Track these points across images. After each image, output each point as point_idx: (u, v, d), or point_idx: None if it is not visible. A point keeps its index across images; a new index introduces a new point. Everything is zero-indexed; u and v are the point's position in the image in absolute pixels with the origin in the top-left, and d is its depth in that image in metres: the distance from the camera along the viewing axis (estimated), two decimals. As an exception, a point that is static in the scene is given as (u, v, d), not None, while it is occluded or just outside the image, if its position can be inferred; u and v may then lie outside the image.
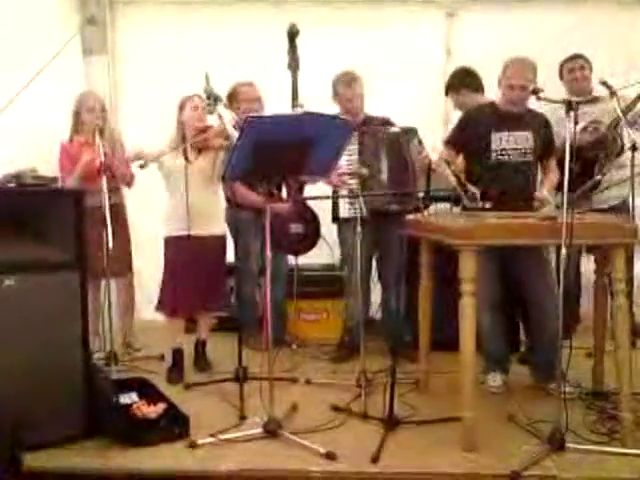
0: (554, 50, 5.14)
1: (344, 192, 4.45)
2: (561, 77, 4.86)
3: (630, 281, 4.39)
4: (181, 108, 4.27)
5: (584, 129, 4.52)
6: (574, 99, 3.26)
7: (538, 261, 3.89)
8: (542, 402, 3.68)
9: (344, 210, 4.50)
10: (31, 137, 5.22)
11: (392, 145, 4.45)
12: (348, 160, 4.39)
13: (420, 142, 4.46)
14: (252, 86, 4.72)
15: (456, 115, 4.81)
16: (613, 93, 4.43)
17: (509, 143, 3.95)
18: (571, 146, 3.18)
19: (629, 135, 4.28)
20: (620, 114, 4.31)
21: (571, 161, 4.44)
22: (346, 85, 4.55)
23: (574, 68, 4.77)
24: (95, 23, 5.73)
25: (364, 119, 4.63)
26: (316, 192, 4.67)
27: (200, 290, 4.24)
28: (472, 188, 3.88)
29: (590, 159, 4.53)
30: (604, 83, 4.43)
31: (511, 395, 3.92)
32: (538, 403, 3.70)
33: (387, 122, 4.65)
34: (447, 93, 4.86)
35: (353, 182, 4.39)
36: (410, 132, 4.47)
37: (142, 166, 4.12)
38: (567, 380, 3.52)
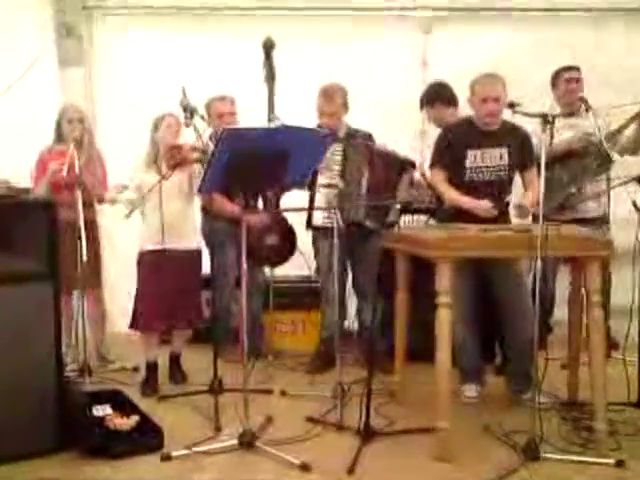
0: (528, 65, 5.23)
1: (321, 204, 4.45)
2: (553, 85, 4.86)
3: (606, 293, 4.47)
4: (155, 126, 4.25)
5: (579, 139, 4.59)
6: (550, 113, 3.29)
7: (513, 274, 3.91)
8: (517, 413, 3.69)
9: (317, 219, 4.51)
10: (6, 148, 5.19)
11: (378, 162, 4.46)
12: (329, 171, 4.40)
13: (412, 183, 4.50)
14: (226, 100, 4.71)
15: (432, 128, 4.85)
16: (588, 109, 4.50)
17: (484, 160, 3.95)
18: (546, 159, 3.23)
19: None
20: (597, 131, 4.37)
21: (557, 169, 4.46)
22: (327, 100, 4.56)
23: (572, 79, 4.77)
24: (72, 35, 5.71)
25: (347, 132, 4.63)
26: (292, 203, 4.66)
27: (175, 305, 4.21)
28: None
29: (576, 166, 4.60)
30: (581, 99, 4.50)
31: (486, 406, 3.93)
32: (513, 414, 3.71)
33: (369, 137, 4.67)
34: (422, 107, 4.88)
35: (326, 191, 4.39)
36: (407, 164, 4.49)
37: (128, 215, 4.11)
38: (542, 391, 3.54)
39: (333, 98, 4.56)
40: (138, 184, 4.17)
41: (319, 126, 4.51)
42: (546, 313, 4.53)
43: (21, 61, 5.31)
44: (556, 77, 4.86)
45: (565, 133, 4.60)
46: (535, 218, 3.62)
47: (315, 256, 4.73)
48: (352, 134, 4.63)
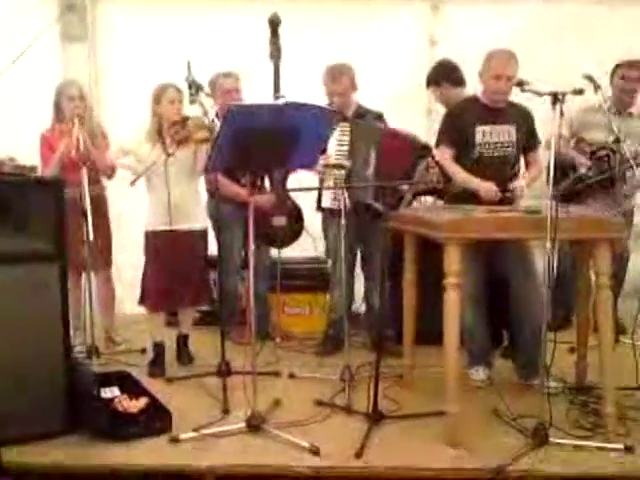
0: (537, 43, 5.16)
1: (329, 184, 4.41)
2: (612, 79, 4.75)
3: (618, 276, 4.44)
4: (156, 100, 4.16)
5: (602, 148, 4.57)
6: (560, 91, 3.24)
7: (522, 256, 3.89)
8: (526, 397, 3.68)
9: (326, 200, 4.47)
10: (9, 126, 5.16)
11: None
12: (338, 151, 4.35)
13: (427, 168, 4.44)
14: (231, 76, 4.66)
15: (439, 107, 4.80)
16: (597, 87, 4.44)
17: (492, 137, 3.93)
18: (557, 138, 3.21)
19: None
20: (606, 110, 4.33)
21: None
22: (333, 80, 4.50)
23: (629, 77, 4.64)
24: (74, 10, 5.64)
25: (356, 110, 4.57)
26: (299, 184, 4.63)
27: (182, 284, 4.19)
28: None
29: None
30: (588, 77, 4.43)
31: (495, 389, 3.90)
32: (522, 398, 3.69)
33: (379, 117, 4.61)
34: (428, 86, 4.81)
35: (337, 173, 4.34)
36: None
37: (132, 182, 4.05)
38: (550, 375, 3.52)
39: (340, 77, 4.50)
40: (140, 155, 4.12)
41: (330, 105, 4.45)
42: (569, 297, 4.43)
43: (24, 37, 5.25)
44: (613, 72, 4.76)
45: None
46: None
47: (325, 238, 4.70)
48: (362, 114, 4.57)
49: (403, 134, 4.42)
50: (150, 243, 4.21)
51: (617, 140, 4.50)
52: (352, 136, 4.40)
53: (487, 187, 3.83)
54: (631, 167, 4.40)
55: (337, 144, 4.35)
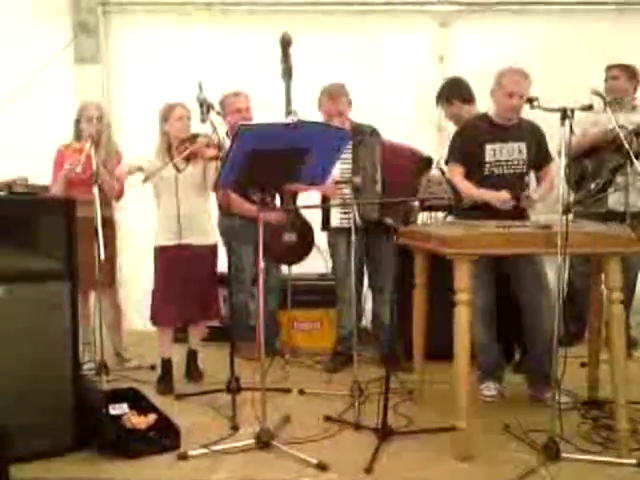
0: (546, 60, 5.17)
1: (337, 201, 4.42)
2: (605, 82, 4.87)
3: (629, 291, 4.41)
4: (164, 118, 4.22)
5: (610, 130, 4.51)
6: (569, 107, 3.24)
7: (533, 271, 3.87)
8: (537, 411, 3.65)
9: (335, 219, 4.48)
10: (23, 146, 5.22)
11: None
12: (342, 169, 4.37)
13: (429, 180, 4.46)
14: (240, 96, 4.69)
15: (450, 124, 4.81)
16: (607, 103, 4.43)
17: (502, 155, 3.94)
18: (567, 152, 3.20)
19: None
20: (614, 124, 4.31)
21: (583, 162, 4.38)
22: (332, 100, 4.52)
23: (615, 76, 4.80)
24: (88, 31, 5.71)
25: (352, 128, 4.59)
26: (309, 201, 4.64)
27: (192, 300, 4.21)
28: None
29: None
30: (597, 93, 4.42)
31: (506, 404, 3.89)
32: (533, 412, 3.66)
33: (373, 132, 4.62)
34: (438, 104, 4.83)
35: (346, 191, 4.36)
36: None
37: (145, 180, 4.11)
38: (562, 390, 3.50)
39: (339, 97, 4.53)
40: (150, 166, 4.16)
41: None
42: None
43: (38, 59, 5.33)
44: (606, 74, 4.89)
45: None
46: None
47: (331, 255, 4.70)
48: (359, 130, 4.58)
49: (404, 148, 4.45)
50: (159, 258, 4.24)
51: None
52: (355, 153, 4.42)
53: (500, 196, 3.84)
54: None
55: (340, 162, 4.36)
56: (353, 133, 4.50)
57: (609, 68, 4.87)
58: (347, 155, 4.39)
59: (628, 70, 4.82)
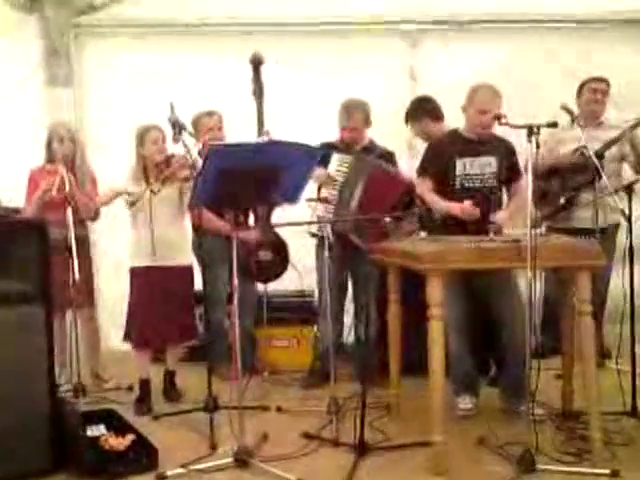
0: (514, 77, 5.26)
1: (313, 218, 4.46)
2: (578, 95, 4.91)
3: (602, 303, 4.47)
4: (140, 141, 4.23)
5: (575, 150, 4.62)
6: (535, 124, 3.30)
7: (505, 283, 3.92)
8: (512, 424, 3.68)
9: (313, 226, 4.52)
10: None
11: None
12: (333, 183, 4.46)
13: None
14: (214, 115, 4.72)
15: (420, 142, 4.86)
16: (574, 118, 4.50)
17: (473, 168, 4.00)
18: (533, 169, 3.26)
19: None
20: (584, 142, 4.38)
21: (549, 179, 4.50)
22: (347, 116, 4.58)
23: (597, 89, 4.83)
24: (58, 55, 5.71)
25: (364, 146, 4.65)
26: (287, 217, 4.66)
27: (168, 322, 4.21)
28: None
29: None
30: (565, 108, 4.49)
31: (481, 418, 3.92)
32: (508, 425, 3.70)
33: (388, 154, 4.68)
34: (407, 122, 4.88)
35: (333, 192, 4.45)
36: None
37: (132, 204, 4.12)
38: (537, 402, 3.54)
39: (353, 113, 4.59)
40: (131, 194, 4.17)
41: (341, 140, 4.61)
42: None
43: (9, 82, 5.33)
44: (582, 87, 4.91)
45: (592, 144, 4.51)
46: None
47: (316, 269, 4.72)
48: (370, 149, 4.64)
49: (396, 177, 4.48)
50: (135, 279, 4.24)
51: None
52: (349, 169, 4.47)
53: (463, 207, 3.89)
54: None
55: (333, 176, 4.43)
56: (360, 151, 4.57)
57: (595, 80, 4.86)
58: (343, 169, 4.48)
59: (608, 86, 4.86)
